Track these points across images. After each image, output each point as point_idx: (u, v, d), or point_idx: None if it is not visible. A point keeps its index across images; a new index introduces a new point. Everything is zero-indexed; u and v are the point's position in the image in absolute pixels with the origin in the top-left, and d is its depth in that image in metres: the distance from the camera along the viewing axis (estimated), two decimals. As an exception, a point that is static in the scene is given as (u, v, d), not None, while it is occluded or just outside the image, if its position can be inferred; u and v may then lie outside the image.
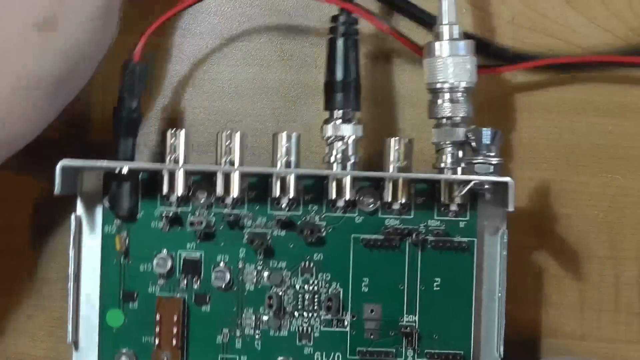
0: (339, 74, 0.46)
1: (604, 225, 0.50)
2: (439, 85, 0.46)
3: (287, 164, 0.46)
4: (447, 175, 0.46)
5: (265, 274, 0.47)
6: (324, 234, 0.47)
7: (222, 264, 0.47)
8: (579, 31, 0.49)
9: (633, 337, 0.50)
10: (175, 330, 0.46)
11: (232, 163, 0.46)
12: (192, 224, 0.46)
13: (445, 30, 0.46)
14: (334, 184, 0.46)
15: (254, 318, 0.47)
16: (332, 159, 0.46)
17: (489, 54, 0.49)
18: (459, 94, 0.46)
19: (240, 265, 0.47)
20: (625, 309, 0.50)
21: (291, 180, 0.46)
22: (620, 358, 0.50)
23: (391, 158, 0.46)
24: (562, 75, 0.49)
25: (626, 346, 0.50)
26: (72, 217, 0.46)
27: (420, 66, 0.47)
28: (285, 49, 0.50)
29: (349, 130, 0.46)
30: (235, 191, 0.46)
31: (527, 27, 0.49)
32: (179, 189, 0.46)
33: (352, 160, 0.46)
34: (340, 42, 0.46)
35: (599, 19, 0.49)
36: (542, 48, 0.49)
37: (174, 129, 0.46)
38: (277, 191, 0.46)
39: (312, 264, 0.47)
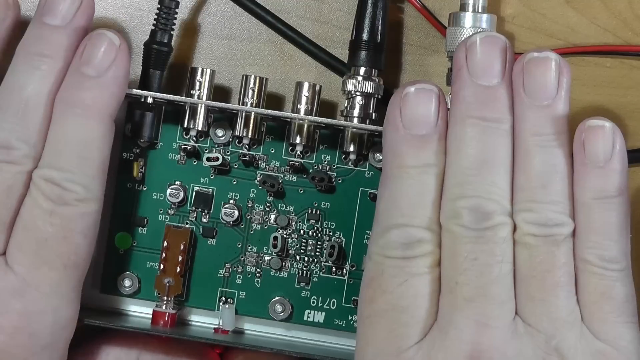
0: (366, 33, 0.48)
1: None
2: (459, 55, 0.48)
3: (307, 112, 0.47)
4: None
5: (273, 215, 0.49)
6: (334, 183, 0.48)
7: (232, 201, 0.48)
8: (579, 31, 0.50)
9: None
10: (180, 258, 0.48)
11: (252, 105, 0.47)
12: (208, 159, 0.48)
13: (470, 2, 0.48)
14: (349, 136, 0.48)
15: (256, 256, 0.49)
16: (350, 112, 0.47)
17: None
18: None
19: (249, 204, 0.48)
20: None
21: (308, 128, 0.48)
22: None
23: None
24: None
25: None
26: (93, 140, 0.47)
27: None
28: (285, 49, 0.50)
29: (370, 87, 0.47)
30: (253, 132, 0.47)
31: (527, 27, 0.50)
32: (200, 124, 0.47)
33: (372, 117, 0.47)
34: (370, 2, 0.48)
35: (599, 19, 0.50)
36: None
37: (201, 67, 0.47)
38: (293, 137, 0.48)
39: (319, 211, 0.48)
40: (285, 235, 0.49)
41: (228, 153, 0.48)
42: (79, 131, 0.43)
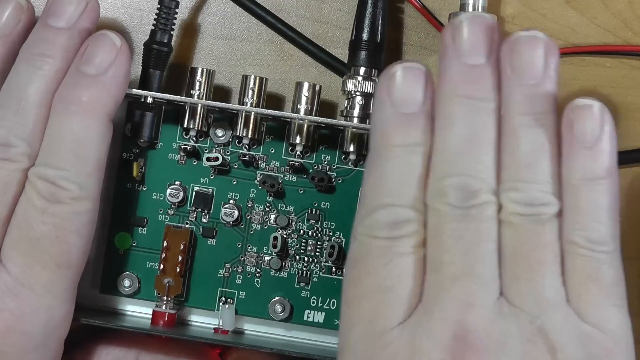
0: (366, 33, 0.48)
1: None
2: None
3: (307, 112, 0.47)
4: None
5: (273, 215, 0.49)
6: (334, 183, 0.48)
7: (232, 201, 0.48)
8: (579, 31, 0.50)
9: (633, 337, 0.50)
10: (180, 258, 0.48)
11: (252, 105, 0.47)
12: (208, 159, 0.48)
13: (470, 2, 0.48)
14: (349, 136, 0.48)
15: (256, 257, 0.49)
16: (350, 112, 0.47)
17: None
18: (478, 65, 0.47)
19: (249, 205, 0.49)
20: None
21: (308, 128, 0.48)
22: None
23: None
24: (562, 75, 0.50)
25: None
26: (93, 140, 0.47)
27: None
28: (285, 49, 0.51)
29: (369, 87, 0.47)
30: (253, 132, 0.47)
31: (527, 27, 0.50)
32: (199, 124, 0.47)
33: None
34: (370, 2, 0.48)
35: (599, 19, 0.50)
36: None
37: (201, 67, 0.47)
38: (293, 137, 0.48)
39: (319, 212, 0.48)
40: (285, 236, 0.49)
41: (228, 153, 0.48)
42: (75, 129, 0.43)
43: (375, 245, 0.41)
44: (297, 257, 0.49)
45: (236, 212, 0.48)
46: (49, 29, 0.45)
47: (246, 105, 0.47)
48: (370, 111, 0.47)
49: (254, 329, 0.49)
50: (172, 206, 0.48)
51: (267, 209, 0.49)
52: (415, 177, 0.41)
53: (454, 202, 0.40)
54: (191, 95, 0.47)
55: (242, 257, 0.49)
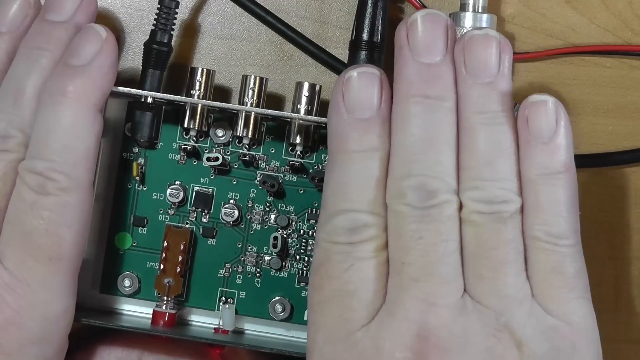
0: (366, 33, 0.48)
1: (604, 225, 0.50)
2: (459, 55, 0.48)
3: (307, 112, 0.47)
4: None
5: (273, 215, 0.49)
6: (333, 183, 0.48)
7: (232, 201, 0.48)
8: (579, 31, 0.50)
9: (633, 337, 0.50)
10: (180, 258, 0.48)
11: (252, 105, 0.47)
12: (208, 159, 0.48)
13: (470, 2, 0.48)
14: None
15: (256, 256, 0.49)
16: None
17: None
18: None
19: (249, 204, 0.49)
20: (625, 308, 0.50)
21: (308, 128, 0.48)
22: (620, 358, 0.50)
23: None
24: (562, 75, 0.50)
25: (626, 346, 0.50)
26: (94, 140, 0.47)
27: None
28: (285, 49, 0.51)
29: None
30: (253, 132, 0.47)
31: (527, 27, 0.50)
32: (200, 124, 0.47)
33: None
34: (370, 2, 0.48)
35: (599, 19, 0.50)
36: (542, 48, 0.50)
37: (201, 67, 0.47)
38: (294, 137, 0.48)
39: (319, 211, 0.48)
40: (285, 235, 0.49)
41: (228, 153, 0.48)
42: (61, 119, 0.43)
43: (336, 250, 0.41)
44: (297, 257, 0.49)
45: (236, 212, 0.48)
46: (46, 23, 0.45)
47: (246, 105, 0.47)
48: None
49: (254, 328, 0.49)
50: (172, 206, 0.48)
51: (267, 209, 0.49)
52: (373, 182, 0.41)
53: (413, 203, 0.40)
54: (191, 95, 0.47)
55: (242, 257, 0.49)
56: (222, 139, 0.48)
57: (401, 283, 0.41)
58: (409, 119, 0.41)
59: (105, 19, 0.50)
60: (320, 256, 0.42)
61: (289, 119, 0.48)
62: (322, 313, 0.41)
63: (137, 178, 0.48)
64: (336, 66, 0.50)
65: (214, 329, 0.49)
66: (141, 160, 0.48)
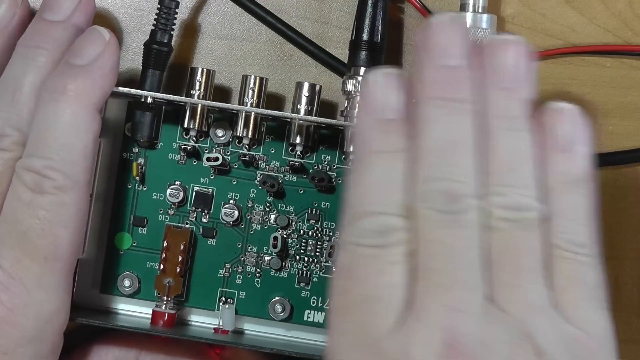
0: (366, 33, 0.48)
1: (604, 225, 0.49)
2: (459, 55, 0.48)
3: (307, 112, 0.47)
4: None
5: (273, 215, 0.49)
6: (334, 183, 0.48)
7: (232, 201, 0.48)
8: (579, 31, 0.50)
9: (633, 337, 0.50)
10: (180, 258, 0.48)
11: (252, 105, 0.47)
12: (208, 159, 0.48)
13: (470, 2, 0.48)
14: (349, 136, 0.48)
15: (256, 257, 0.49)
16: (350, 112, 0.47)
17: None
18: (478, 65, 0.47)
19: (249, 205, 0.49)
20: (625, 309, 0.50)
21: (308, 128, 0.48)
22: (620, 358, 0.50)
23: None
24: (562, 75, 0.50)
25: (626, 346, 0.49)
26: (93, 140, 0.47)
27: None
28: (285, 49, 0.51)
29: (369, 87, 0.47)
30: (253, 132, 0.47)
31: (527, 27, 0.50)
32: (200, 124, 0.47)
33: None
34: (370, 2, 0.48)
35: (599, 19, 0.50)
36: (542, 48, 0.50)
37: (201, 67, 0.47)
38: (293, 137, 0.48)
39: (319, 212, 0.48)
40: (285, 236, 0.49)
41: (228, 153, 0.48)
42: (60, 117, 0.43)
43: (363, 254, 0.40)
44: (297, 257, 0.49)
45: (236, 212, 0.48)
46: (44, 22, 0.45)
47: (246, 105, 0.47)
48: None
49: (254, 329, 0.49)
50: (172, 206, 0.48)
51: (267, 209, 0.49)
52: (399, 184, 0.41)
53: (438, 207, 0.40)
54: (191, 96, 0.47)
55: (242, 257, 0.49)
56: (222, 139, 0.48)
57: (428, 289, 0.40)
58: (431, 122, 0.41)
59: (105, 19, 0.50)
60: (346, 259, 0.41)
61: (289, 119, 0.48)
62: (348, 318, 0.41)
63: (137, 178, 0.48)
64: (336, 66, 0.50)
65: (214, 329, 0.49)
66: (141, 160, 0.48)
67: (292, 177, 0.48)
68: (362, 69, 0.47)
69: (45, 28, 0.45)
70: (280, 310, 0.48)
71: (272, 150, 0.48)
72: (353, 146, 0.42)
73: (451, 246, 0.40)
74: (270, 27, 0.50)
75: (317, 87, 0.47)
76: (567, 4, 0.50)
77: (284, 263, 0.49)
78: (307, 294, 0.49)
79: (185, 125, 0.48)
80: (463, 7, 0.48)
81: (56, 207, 0.43)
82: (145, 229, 0.49)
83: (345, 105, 0.48)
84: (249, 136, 0.48)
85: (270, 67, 0.50)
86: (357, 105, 0.42)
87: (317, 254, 0.49)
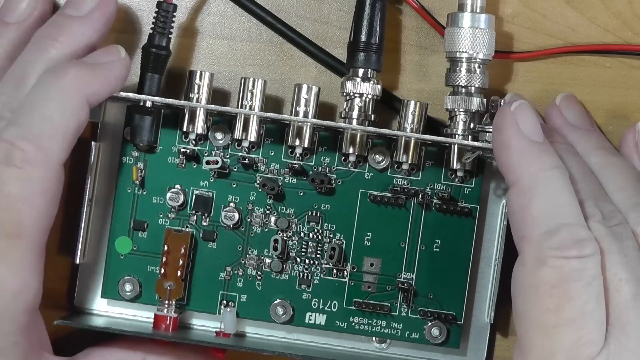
0: (364, 34, 0.48)
1: None
2: (457, 55, 0.47)
3: (305, 114, 0.47)
4: (458, 140, 0.47)
5: (273, 218, 0.49)
6: (333, 185, 0.48)
7: (232, 204, 0.48)
8: (579, 31, 0.50)
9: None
10: (181, 262, 0.48)
11: (252, 108, 0.47)
12: (208, 162, 0.48)
13: (468, 2, 0.48)
14: (349, 138, 0.48)
15: (257, 259, 0.49)
16: (349, 114, 0.47)
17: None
18: (476, 65, 0.47)
19: (249, 207, 0.48)
20: None
21: (307, 130, 0.48)
22: None
23: (409, 119, 0.47)
24: (562, 75, 0.50)
25: None
26: (93, 144, 0.47)
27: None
28: (285, 49, 0.50)
29: (368, 89, 0.47)
30: (252, 135, 0.47)
31: (527, 27, 0.50)
32: (199, 127, 0.47)
33: (370, 118, 0.47)
34: (368, 3, 0.48)
35: (599, 19, 0.50)
36: (542, 48, 0.50)
37: (200, 71, 0.47)
38: (293, 139, 0.48)
39: (319, 214, 0.48)
40: (285, 238, 0.48)
41: (227, 156, 0.48)
42: (50, 91, 0.43)
43: (571, 267, 0.41)
44: (298, 259, 0.49)
45: (236, 215, 0.48)
46: (63, 16, 0.46)
47: (245, 108, 0.47)
48: (370, 113, 0.47)
49: (255, 331, 0.49)
50: (172, 210, 0.48)
51: (267, 212, 0.49)
52: (574, 197, 0.43)
53: (608, 222, 0.42)
54: (190, 99, 0.47)
55: (242, 260, 0.49)
56: (221, 142, 0.48)
57: (624, 300, 0.41)
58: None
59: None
60: (552, 276, 0.41)
61: (288, 122, 0.47)
62: (560, 337, 0.41)
63: (137, 182, 0.48)
64: (336, 66, 0.50)
65: (216, 332, 0.49)
66: (140, 164, 0.48)
67: (292, 179, 0.48)
68: (361, 71, 0.47)
69: (62, 21, 0.46)
70: (281, 312, 0.48)
71: (272, 152, 0.48)
72: (511, 170, 0.43)
73: (630, 257, 0.42)
74: (270, 27, 0.50)
75: (316, 89, 0.47)
76: (567, 4, 0.50)
77: (284, 265, 0.49)
78: (309, 296, 0.49)
79: (185, 129, 0.48)
80: (461, 8, 0.48)
81: (22, 182, 0.42)
82: (146, 233, 0.48)
83: (344, 107, 0.48)
84: (249, 139, 0.47)
85: (270, 67, 0.50)
86: (501, 131, 0.44)
87: (318, 255, 0.48)
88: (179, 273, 0.48)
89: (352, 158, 0.48)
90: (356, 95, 0.47)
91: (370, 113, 0.47)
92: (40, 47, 0.45)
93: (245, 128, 0.47)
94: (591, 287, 0.41)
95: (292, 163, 0.48)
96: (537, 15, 0.50)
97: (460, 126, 0.47)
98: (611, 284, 0.41)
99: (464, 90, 0.47)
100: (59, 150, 0.43)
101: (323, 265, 0.48)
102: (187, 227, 0.48)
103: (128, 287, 0.48)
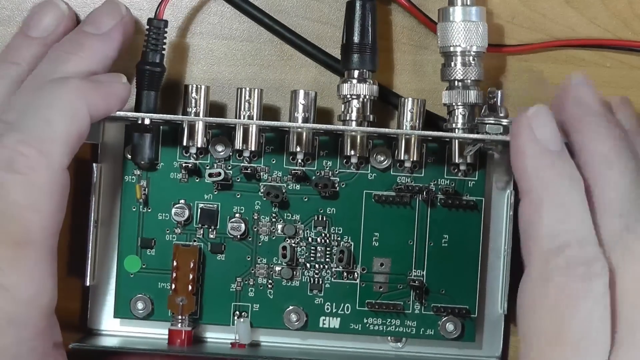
0: (357, 35, 0.48)
1: None
2: (451, 49, 0.47)
3: (304, 120, 0.47)
4: (459, 133, 0.47)
5: (280, 225, 0.49)
6: (337, 188, 0.48)
7: (237, 215, 0.48)
8: (578, 31, 0.50)
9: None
10: (191, 276, 0.48)
11: (250, 117, 0.47)
12: (210, 175, 0.48)
13: (458, -3, 0.48)
14: (349, 140, 0.48)
15: (267, 268, 0.49)
16: (348, 116, 0.47)
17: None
18: (471, 58, 0.47)
19: (255, 217, 0.48)
20: None
21: (307, 136, 0.48)
22: None
23: (407, 117, 0.47)
24: (562, 75, 0.49)
25: None
26: (94, 166, 0.47)
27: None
28: (285, 49, 0.50)
29: (365, 90, 0.47)
30: (253, 144, 0.47)
31: (527, 27, 0.50)
32: (199, 141, 0.47)
33: (368, 119, 0.47)
34: (358, 4, 0.48)
35: (599, 19, 0.50)
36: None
37: (195, 84, 0.47)
38: (293, 146, 0.48)
39: (325, 218, 0.48)
40: (293, 245, 0.48)
41: (229, 167, 0.48)
42: (53, 96, 0.43)
43: (577, 287, 0.40)
44: (308, 264, 0.49)
45: (243, 226, 0.48)
46: (82, 34, 0.47)
47: (243, 118, 0.47)
48: (368, 114, 0.47)
49: (270, 340, 0.49)
50: (179, 225, 0.48)
51: (274, 220, 0.49)
52: (587, 210, 0.41)
53: (622, 240, 0.41)
54: (188, 113, 0.47)
55: (252, 270, 0.49)
56: (222, 154, 0.48)
57: (633, 321, 0.40)
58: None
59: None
60: (557, 294, 0.41)
61: (287, 129, 0.47)
62: (562, 356, 0.40)
63: (141, 200, 0.48)
64: (335, 67, 0.50)
65: (231, 343, 0.49)
66: (143, 182, 0.48)
67: (295, 185, 0.48)
68: (356, 72, 0.47)
69: (81, 38, 0.46)
70: (295, 319, 0.48)
71: (273, 160, 0.48)
72: (528, 176, 0.42)
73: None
74: (268, 30, 0.50)
75: (313, 94, 0.47)
76: (567, 4, 0.50)
77: (294, 272, 0.49)
78: (321, 300, 0.49)
79: (185, 144, 0.48)
80: (451, 2, 0.48)
81: (27, 189, 0.42)
82: (154, 250, 0.49)
83: (343, 110, 0.48)
84: (249, 149, 0.47)
85: (270, 67, 0.50)
86: (519, 138, 0.43)
87: (327, 259, 0.48)
88: (190, 287, 0.48)
89: (354, 160, 0.48)
90: (353, 97, 0.47)
91: (368, 114, 0.47)
92: (58, 60, 0.45)
93: (245, 138, 0.47)
94: (597, 307, 0.40)
95: (294, 169, 0.48)
96: (536, 15, 0.50)
97: (460, 120, 0.47)
98: (626, 303, 0.40)
99: (460, 84, 0.47)
100: (62, 154, 0.43)
101: (333, 269, 0.49)
102: (194, 241, 0.48)
103: (140, 305, 0.48)
